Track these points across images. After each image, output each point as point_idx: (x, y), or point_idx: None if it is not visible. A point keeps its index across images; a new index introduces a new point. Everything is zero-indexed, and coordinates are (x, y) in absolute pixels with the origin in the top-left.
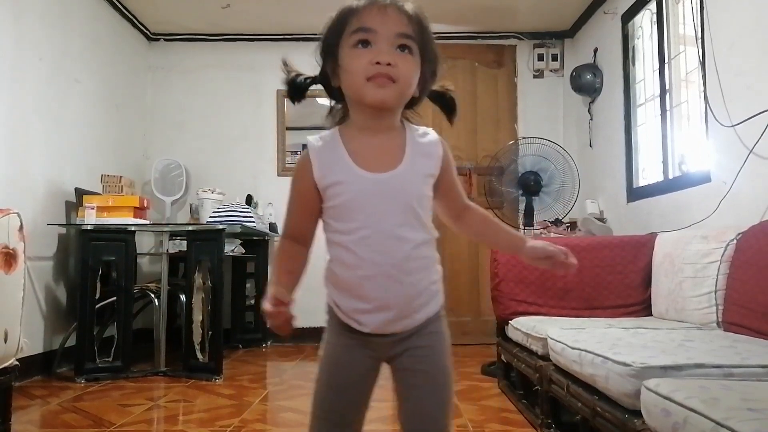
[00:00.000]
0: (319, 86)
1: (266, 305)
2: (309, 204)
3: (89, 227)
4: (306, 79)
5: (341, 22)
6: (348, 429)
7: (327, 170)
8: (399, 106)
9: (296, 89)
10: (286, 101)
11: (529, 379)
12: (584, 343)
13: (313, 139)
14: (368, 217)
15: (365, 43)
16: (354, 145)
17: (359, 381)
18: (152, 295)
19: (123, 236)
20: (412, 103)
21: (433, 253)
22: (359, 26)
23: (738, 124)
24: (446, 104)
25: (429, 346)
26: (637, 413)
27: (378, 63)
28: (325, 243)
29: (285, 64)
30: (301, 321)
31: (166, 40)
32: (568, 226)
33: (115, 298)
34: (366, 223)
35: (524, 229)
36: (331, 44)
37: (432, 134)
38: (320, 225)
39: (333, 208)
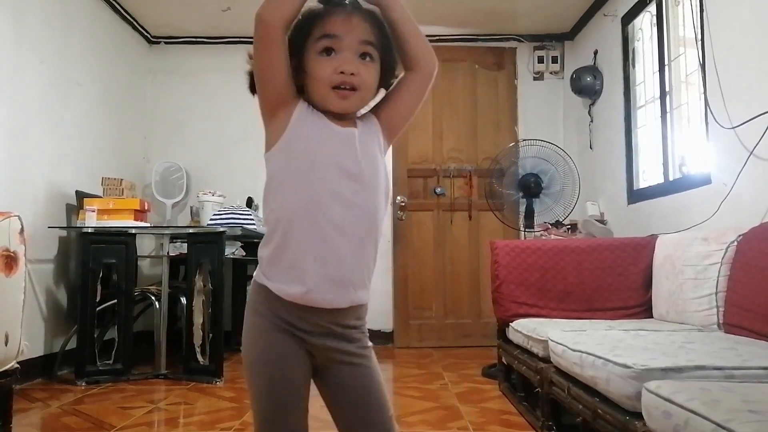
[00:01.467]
0: None
1: None
2: (282, 55)
3: (90, 230)
4: None
5: (307, 26)
6: (295, 427)
7: (305, 115)
8: (360, 110)
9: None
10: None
11: (530, 381)
12: (585, 345)
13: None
14: (342, 165)
15: (329, 50)
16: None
17: (298, 369)
18: (153, 298)
19: (123, 239)
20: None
21: (380, 231)
22: (324, 33)
23: (738, 125)
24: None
25: (359, 364)
26: (638, 415)
27: (342, 72)
28: (268, 199)
29: (250, 57)
30: None
31: (166, 42)
32: (568, 228)
33: (115, 300)
34: (336, 170)
35: (525, 231)
36: (296, 45)
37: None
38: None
39: (290, 146)
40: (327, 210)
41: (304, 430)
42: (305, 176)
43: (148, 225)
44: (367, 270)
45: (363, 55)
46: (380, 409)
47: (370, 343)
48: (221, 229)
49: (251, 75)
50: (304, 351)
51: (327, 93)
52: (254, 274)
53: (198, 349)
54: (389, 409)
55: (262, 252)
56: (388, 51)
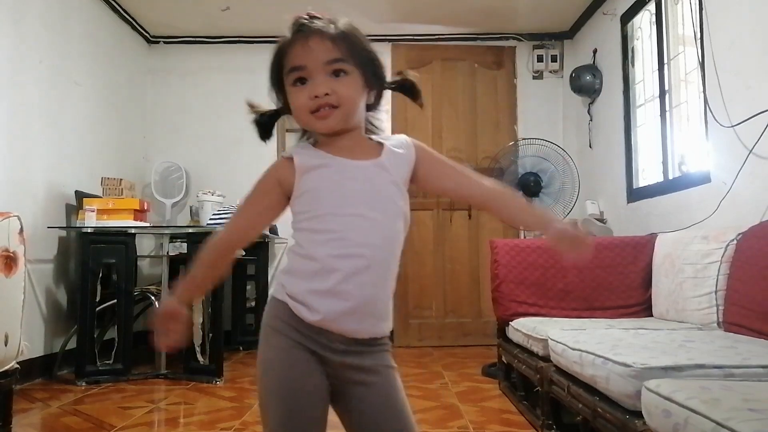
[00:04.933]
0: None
1: (159, 315)
2: (269, 202)
3: (89, 230)
4: (269, 116)
5: (278, 63)
6: None
7: (309, 159)
8: (351, 123)
9: (262, 128)
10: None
11: (530, 380)
12: (585, 344)
13: (288, 149)
14: (355, 202)
15: (301, 80)
16: (329, 149)
17: (317, 393)
18: (153, 298)
19: (123, 239)
20: (371, 107)
21: (397, 258)
22: (291, 66)
23: (738, 124)
24: (407, 90)
25: (379, 385)
26: (638, 414)
27: (317, 96)
28: (293, 234)
29: (250, 106)
30: None
31: (165, 42)
32: None
33: (115, 300)
34: (350, 206)
35: (524, 230)
36: (276, 80)
37: (400, 136)
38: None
39: (309, 192)
40: (341, 246)
41: None
42: (321, 216)
43: (147, 225)
44: (385, 303)
45: (335, 73)
46: (400, 430)
47: (393, 363)
48: (221, 229)
49: (257, 124)
50: (323, 375)
51: (308, 119)
52: (271, 290)
53: (198, 349)
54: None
55: (284, 275)
56: (363, 59)
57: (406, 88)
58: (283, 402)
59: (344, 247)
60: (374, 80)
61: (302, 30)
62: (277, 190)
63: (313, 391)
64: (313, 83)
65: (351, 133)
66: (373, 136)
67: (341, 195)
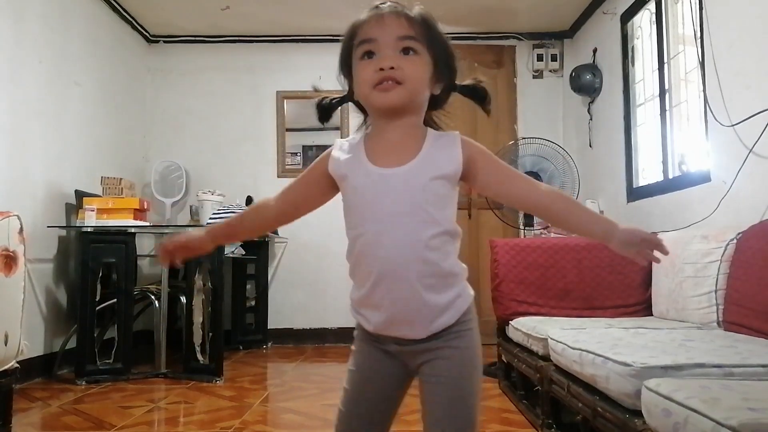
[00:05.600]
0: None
1: (179, 243)
2: (313, 184)
3: (89, 229)
4: (332, 100)
5: (350, 38)
6: None
7: (340, 164)
8: (411, 106)
9: (324, 111)
10: (285, 102)
11: (530, 380)
12: (585, 343)
13: (339, 139)
14: (369, 213)
15: (370, 54)
16: (373, 144)
17: (380, 388)
18: (153, 297)
19: (123, 238)
20: (437, 104)
21: (447, 256)
22: (362, 38)
23: (738, 123)
24: (477, 95)
25: (442, 361)
26: (638, 413)
27: (382, 69)
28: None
29: (315, 90)
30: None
31: (165, 41)
32: None
33: (115, 300)
34: (367, 219)
35: (524, 229)
36: (346, 61)
37: (451, 133)
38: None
39: (344, 202)
40: (363, 261)
41: None
42: (354, 226)
43: (147, 224)
44: (429, 306)
45: (405, 51)
46: (441, 412)
47: (462, 344)
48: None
49: (319, 107)
50: (397, 365)
51: (369, 92)
52: None
53: (198, 348)
54: (458, 419)
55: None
56: (437, 44)
57: (476, 93)
58: (350, 386)
59: (365, 262)
60: (444, 71)
61: (379, 8)
62: (325, 179)
63: (378, 379)
64: (380, 56)
65: (405, 120)
66: (430, 130)
67: (364, 208)
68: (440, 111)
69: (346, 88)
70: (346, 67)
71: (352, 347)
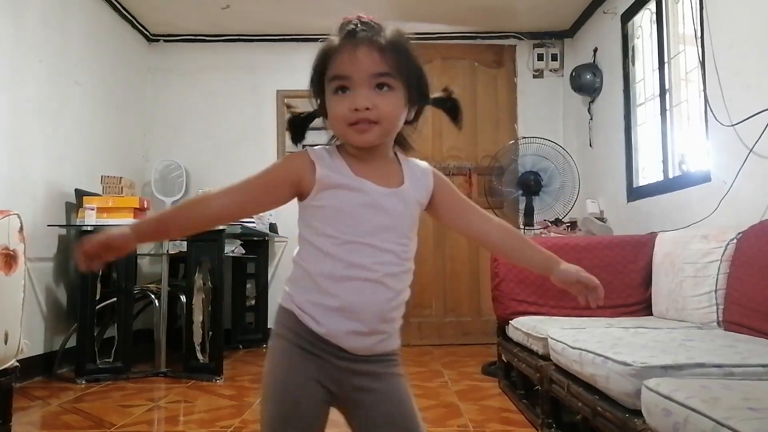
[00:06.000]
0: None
1: (102, 242)
2: (275, 188)
3: (89, 228)
4: (303, 115)
5: (322, 65)
6: None
7: (331, 171)
8: (386, 141)
9: (296, 128)
10: (286, 101)
11: (530, 379)
12: (584, 342)
13: (314, 149)
14: (366, 226)
15: (343, 89)
16: (352, 163)
17: (313, 408)
18: (152, 296)
19: None
20: (408, 123)
21: (408, 281)
22: (334, 74)
23: (738, 123)
24: (449, 108)
25: (386, 392)
26: (638, 413)
27: (357, 109)
28: (299, 240)
29: (287, 106)
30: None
31: (165, 41)
32: (568, 226)
33: (115, 299)
34: (362, 231)
35: (524, 228)
36: (316, 84)
37: (423, 165)
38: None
39: (324, 208)
40: (349, 270)
41: None
42: (342, 234)
43: None
44: (392, 319)
45: (380, 86)
46: (411, 419)
47: (400, 371)
48: (220, 228)
49: (292, 124)
50: (324, 384)
51: (345, 131)
52: (280, 298)
53: (198, 348)
54: (418, 421)
55: (291, 284)
56: (410, 71)
57: (448, 107)
58: (279, 405)
59: (351, 269)
60: (418, 98)
61: (351, 37)
62: (290, 188)
63: (309, 399)
64: (354, 95)
65: (381, 148)
66: (399, 155)
67: (362, 223)
68: (412, 127)
69: (316, 106)
70: (318, 86)
71: (271, 347)
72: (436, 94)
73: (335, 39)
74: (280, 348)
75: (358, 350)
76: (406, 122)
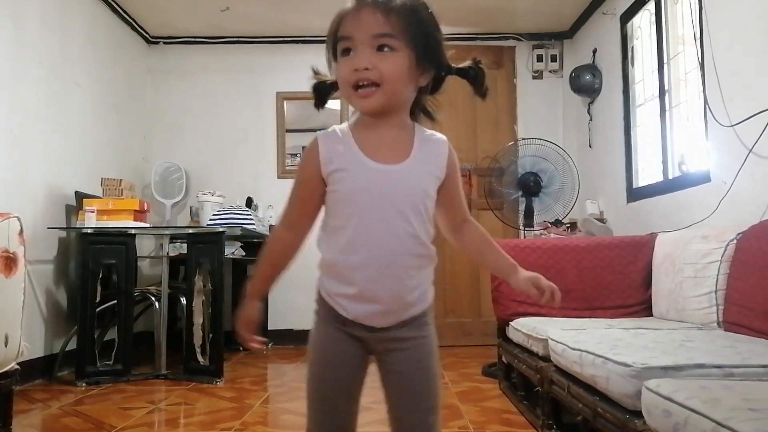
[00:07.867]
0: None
1: (240, 327)
2: (311, 192)
3: (89, 231)
4: (326, 83)
5: (333, 31)
6: (341, 419)
7: (333, 156)
8: (395, 105)
9: (319, 95)
10: (285, 103)
11: (530, 380)
12: (585, 343)
13: (322, 130)
14: (369, 208)
15: (347, 51)
16: (362, 138)
17: (347, 371)
18: (153, 298)
19: (123, 239)
20: (432, 89)
21: (429, 252)
22: (340, 35)
23: (737, 123)
24: (473, 78)
25: (412, 351)
26: (638, 414)
27: (356, 69)
28: (321, 225)
29: (315, 72)
30: (301, 323)
31: (165, 42)
32: (568, 227)
33: (115, 301)
34: (366, 213)
35: (524, 229)
36: (332, 50)
37: (440, 136)
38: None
39: (334, 193)
40: (356, 253)
41: (347, 425)
42: (347, 218)
43: (147, 225)
44: (413, 296)
45: (381, 47)
46: (419, 396)
47: (426, 332)
48: (221, 229)
49: (315, 90)
50: (360, 347)
51: (350, 94)
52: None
53: (198, 350)
54: (431, 399)
55: (319, 269)
56: (418, 35)
57: (471, 76)
58: (321, 367)
59: (358, 255)
60: (427, 61)
61: (360, 0)
62: (322, 182)
63: (345, 359)
64: (356, 55)
65: (394, 117)
66: (417, 126)
67: (363, 208)
68: (435, 96)
69: (334, 74)
70: (333, 53)
71: (313, 321)
72: (462, 63)
73: (350, 3)
74: (318, 322)
75: (385, 324)
76: (423, 90)
